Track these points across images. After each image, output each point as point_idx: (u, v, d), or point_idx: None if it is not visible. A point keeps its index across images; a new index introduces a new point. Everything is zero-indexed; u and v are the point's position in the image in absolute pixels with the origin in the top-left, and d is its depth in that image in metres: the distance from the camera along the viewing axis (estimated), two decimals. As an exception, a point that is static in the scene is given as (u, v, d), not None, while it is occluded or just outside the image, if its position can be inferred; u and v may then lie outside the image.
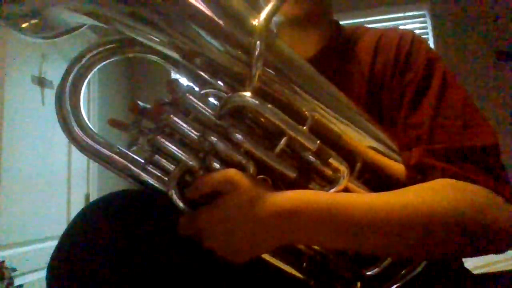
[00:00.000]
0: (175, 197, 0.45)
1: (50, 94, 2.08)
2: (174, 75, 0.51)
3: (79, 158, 2.30)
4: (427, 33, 2.64)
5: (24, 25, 0.48)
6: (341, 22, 0.72)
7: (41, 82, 2.08)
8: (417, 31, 2.64)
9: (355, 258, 0.53)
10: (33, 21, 0.48)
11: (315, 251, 0.51)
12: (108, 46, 0.50)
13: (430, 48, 0.61)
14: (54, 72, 2.09)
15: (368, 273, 0.54)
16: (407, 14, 2.69)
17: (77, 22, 0.50)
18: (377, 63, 0.61)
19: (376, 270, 0.54)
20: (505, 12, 2.49)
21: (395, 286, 0.54)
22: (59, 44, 2.06)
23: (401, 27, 2.68)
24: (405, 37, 0.62)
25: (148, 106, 0.51)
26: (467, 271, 0.60)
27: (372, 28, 0.69)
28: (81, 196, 2.36)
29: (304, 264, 0.51)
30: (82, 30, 0.51)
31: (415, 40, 0.61)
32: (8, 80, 1.87)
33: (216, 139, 0.45)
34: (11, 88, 1.89)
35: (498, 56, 2.47)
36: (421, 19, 2.71)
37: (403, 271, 0.54)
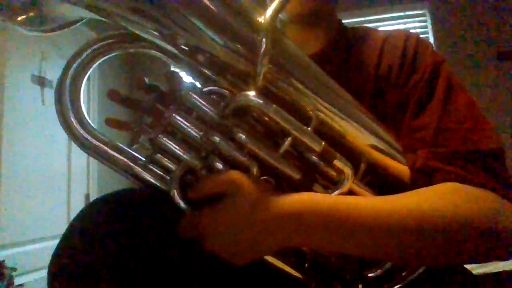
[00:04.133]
0: (176, 197, 0.45)
1: (50, 94, 2.08)
2: (174, 69, 0.50)
3: (79, 158, 2.31)
4: (427, 33, 2.64)
5: (20, 18, 0.47)
6: (341, 21, 0.72)
7: (41, 81, 2.08)
8: (417, 31, 2.66)
9: (357, 259, 0.53)
10: (30, 14, 0.47)
11: (317, 253, 0.51)
12: (108, 41, 0.49)
13: (435, 51, 0.61)
14: (54, 72, 2.09)
15: (370, 274, 0.54)
16: (407, 13, 2.70)
17: (76, 15, 0.49)
18: (382, 65, 0.61)
19: (377, 271, 0.54)
20: (505, 12, 2.49)
21: (396, 287, 0.54)
22: (59, 43, 2.07)
23: (401, 26, 2.68)
24: (410, 39, 0.62)
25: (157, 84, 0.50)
26: (467, 271, 0.60)
27: (376, 29, 0.69)
28: (81, 196, 2.36)
29: (306, 265, 0.51)
30: (82, 29, 0.51)
31: (420, 43, 0.61)
32: (8, 80, 1.87)
33: (219, 139, 0.44)
34: (11, 88, 1.89)
35: (498, 56, 2.47)
36: (421, 18, 2.71)
37: (404, 273, 0.54)
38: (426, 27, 2.68)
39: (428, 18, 2.68)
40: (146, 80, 0.50)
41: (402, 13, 2.69)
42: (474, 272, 0.62)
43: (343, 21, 0.72)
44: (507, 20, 2.49)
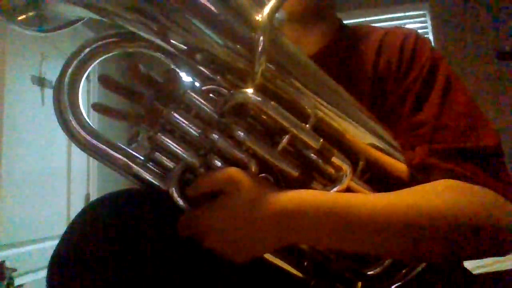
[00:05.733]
0: (175, 195, 0.45)
1: (50, 94, 2.07)
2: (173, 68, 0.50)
3: (79, 158, 2.30)
4: (427, 33, 2.64)
5: (20, 18, 0.47)
6: (341, 22, 0.72)
7: (41, 82, 2.08)
8: (417, 31, 2.64)
9: (356, 257, 0.53)
10: (30, 14, 0.47)
11: (316, 251, 0.51)
12: (107, 40, 0.49)
13: (434, 48, 0.61)
14: (54, 72, 2.08)
15: (369, 272, 0.54)
16: (407, 14, 2.70)
17: (75, 15, 0.49)
18: (380, 62, 0.61)
19: (377, 269, 0.54)
20: (505, 12, 2.49)
21: (395, 285, 0.54)
22: (59, 44, 2.06)
23: (401, 27, 2.68)
24: (409, 36, 0.61)
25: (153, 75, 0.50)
26: (466, 271, 0.60)
27: (375, 26, 0.69)
28: (81, 196, 2.36)
29: (305, 263, 0.51)
30: (82, 30, 0.51)
31: (419, 40, 0.61)
32: (8, 80, 1.87)
33: (217, 137, 0.44)
34: (11, 88, 1.89)
35: (498, 56, 2.47)
36: (421, 19, 2.71)
37: (404, 271, 0.54)
38: (426, 27, 2.69)
39: (428, 18, 2.68)
40: (142, 67, 0.50)
41: (402, 13, 2.69)
42: (474, 272, 0.62)
43: (343, 22, 0.72)
44: (507, 20, 2.49)
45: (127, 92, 0.52)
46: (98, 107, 0.54)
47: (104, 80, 0.52)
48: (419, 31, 2.64)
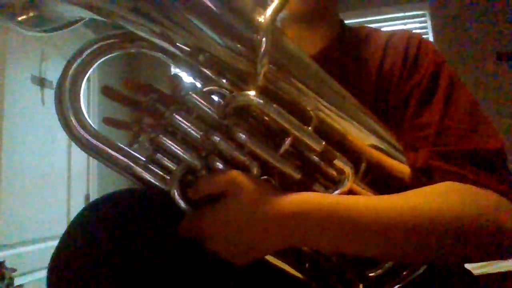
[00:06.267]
0: (176, 197, 0.45)
1: (50, 94, 2.08)
2: (174, 70, 0.51)
3: (79, 158, 2.31)
4: (427, 33, 2.64)
5: (20, 18, 0.47)
6: (342, 22, 0.72)
7: (41, 82, 2.09)
8: (417, 31, 2.66)
9: (358, 259, 0.53)
10: (30, 14, 0.47)
11: (318, 252, 0.51)
12: (108, 41, 0.49)
13: (437, 51, 0.61)
14: (54, 72, 2.09)
15: (371, 274, 0.54)
16: (407, 14, 2.70)
17: (76, 15, 0.49)
18: (385, 65, 0.62)
19: (378, 271, 0.54)
20: (505, 12, 2.49)
21: (396, 287, 0.54)
22: (59, 44, 2.07)
23: (401, 27, 2.69)
24: (412, 40, 0.62)
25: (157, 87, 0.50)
26: (467, 271, 0.60)
27: (379, 30, 0.70)
28: (81, 196, 2.36)
29: (307, 265, 0.51)
30: (82, 29, 0.51)
31: (422, 43, 0.61)
32: (8, 80, 1.87)
33: (219, 139, 0.44)
34: (11, 88, 1.89)
35: (498, 56, 2.47)
36: (421, 19, 2.72)
37: (405, 272, 0.54)
38: (426, 27, 2.69)
39: (428, 18, 2.68)
40: (143, 81, 0.50)
41: (402, 14, 2.70)
42: (474, 272, 0.62)
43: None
44: (506, 20, 2.49)
45: (130, 102, 0.52)
46: (108, 121, 0.54)
47: (107, 91, 0.52)
48: (419, 31, 2.66)
